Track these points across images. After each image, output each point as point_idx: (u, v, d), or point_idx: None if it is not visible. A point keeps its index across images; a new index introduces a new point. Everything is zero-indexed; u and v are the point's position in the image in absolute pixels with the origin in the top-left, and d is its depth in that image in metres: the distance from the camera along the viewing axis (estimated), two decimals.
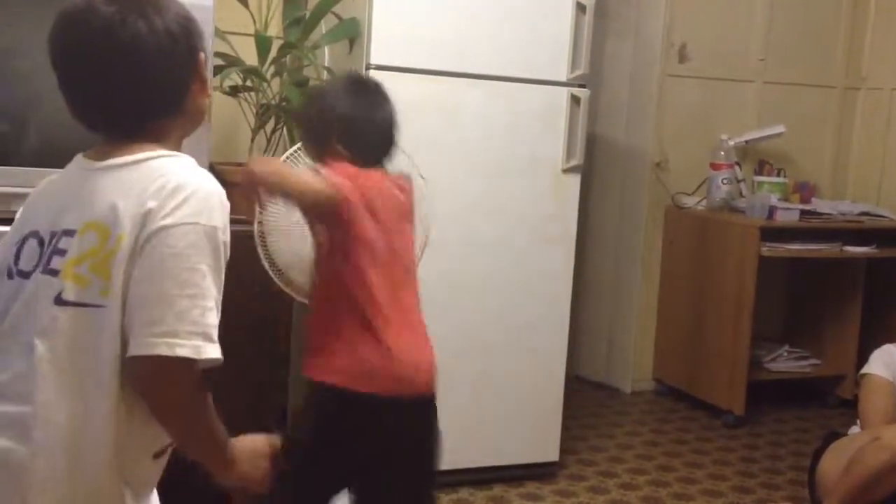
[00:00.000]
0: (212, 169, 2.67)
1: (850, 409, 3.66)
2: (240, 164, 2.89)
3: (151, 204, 1.28)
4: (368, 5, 2.84)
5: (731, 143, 4.16)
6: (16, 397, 1.29)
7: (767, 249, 3.88)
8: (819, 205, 4.21)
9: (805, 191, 4.31)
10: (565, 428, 3.35)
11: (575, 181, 3.19)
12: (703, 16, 4.27)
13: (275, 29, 2.97)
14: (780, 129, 4.25)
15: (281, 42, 2.91)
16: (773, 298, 4.46)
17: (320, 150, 2.01)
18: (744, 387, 3.92)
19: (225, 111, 2.97)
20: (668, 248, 4.32)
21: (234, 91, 2.87)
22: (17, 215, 1.43)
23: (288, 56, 2.94)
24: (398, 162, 2.09)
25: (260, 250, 2.39)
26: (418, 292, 2.01)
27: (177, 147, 1.41)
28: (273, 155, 2.84)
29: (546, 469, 3.29)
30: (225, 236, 1.33)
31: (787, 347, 4.33)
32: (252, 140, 2.90)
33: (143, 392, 1.29)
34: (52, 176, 1.44)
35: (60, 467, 1.28)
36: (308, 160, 2.23)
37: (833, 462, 2.88)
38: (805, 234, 3.99)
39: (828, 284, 4.35)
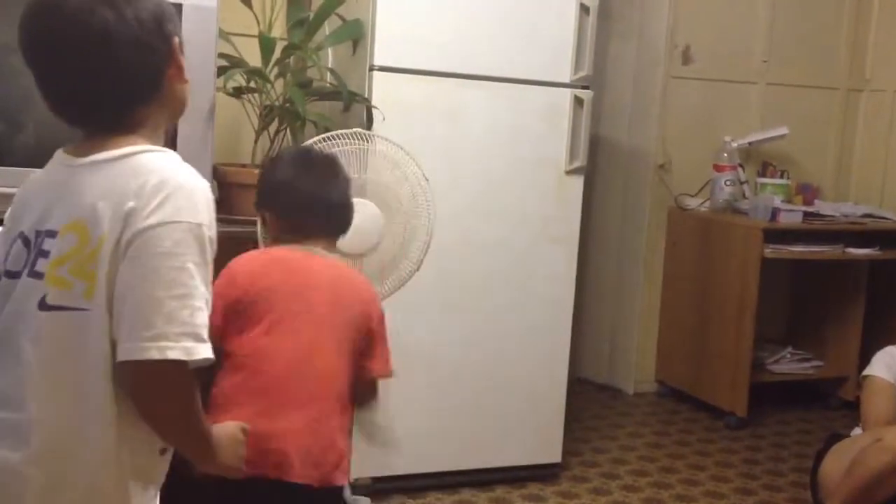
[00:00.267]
0: (215, 170, 2.68)
1: (852, 410, 3.65)
2: (243, 166, 2.90)
3: (133, 203, 1.26)
4: (372, 7, 2.85)
5: (735, 144, 4.16)
6: (10, 404, 1.29)
7: (770, 251, 3.87)
8: (822, 206, 4.21)
9: (808, 192, 4.31)
10: (568, 429, 3.35)
11: (578, 182, 3.20)
12: (706, 17, 4.27)
13: (278, 30, 2.98)
14: (783, 130, 4.25)
15: (285, 43, 2.92)
16: (776, 300, 4.46)
17: (259, 212, 2.12)
18: (746, 388, 3.92)
19: (228, 112, 2.98)
20: (670, 250, 4.32)
21: (237, 92, 2.87)
22: (6, 215, 1.41)
23: (291, 57, 2.94)
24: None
25: None
26: None
27: (157, 136, 1.38)
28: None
29: (548, 470, 3.29)
30: (211, 232, 1.31)
31: (789, 349, 4.33)
32: (255, 141, 2.90)
33: (134, 396, 1.27)
34: (36, 173, 1.41)
35: (58, 474, 1.27)
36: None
37: (835, 464, 2.88)
38: (808, 236, 3.98)
39: (830, 286, 4.34)
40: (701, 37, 4.27)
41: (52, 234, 1.31)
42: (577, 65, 3.11)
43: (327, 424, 1.82)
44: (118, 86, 1.33)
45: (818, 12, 4.50)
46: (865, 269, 4.19)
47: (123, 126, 1.35)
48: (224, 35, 2.70)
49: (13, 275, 1.33)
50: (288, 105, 2.84)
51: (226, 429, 1.49)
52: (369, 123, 2.81)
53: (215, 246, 1.34)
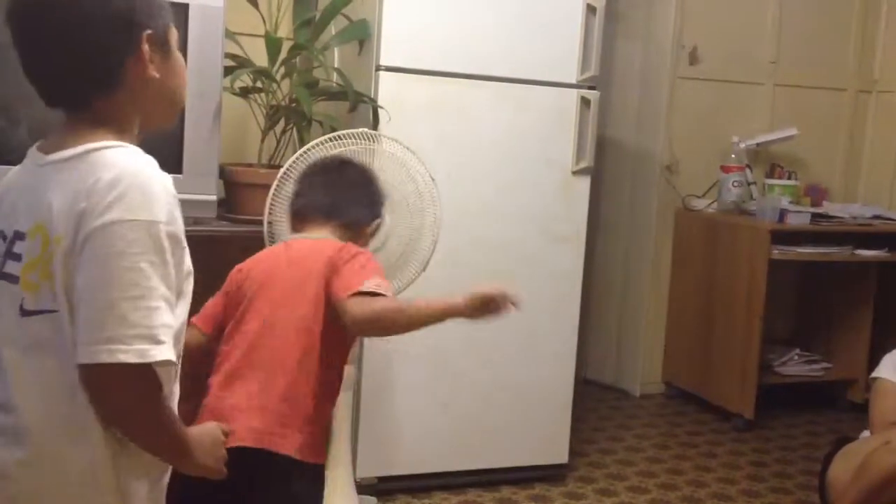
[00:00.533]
0: (221, 170, 2.68)
1: (860, 413, 3.63)
2: (249, 165, 2.90)
3: (84, 204, 1.23)
4: (378, 7, 2.84)
5: (742, 145, 4.15)
6: (3, 407, 1.29)
7: (778, 252, 3.86)
8: (830, 208, 4.20)
9: (816, 194, 4.30)
10: (574, 430, 3.34)
11: (585, 183, 3.19)
12: (713, 18, 4.26)
13: (285, 30, 2.98)
14: (792, 131, 4.24)
15: (291, 43, 2.92)
16: (784, 301, 4.45)
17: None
18: (754, 390, 3.91)
19: (235, 112, 2.98)
20: (677, 251, 4.31)
21: (244, 92, 2.87)
22: None
23: (298, 57, 2.95)
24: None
25: None
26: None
27: (128, 134, 1.35)
28: (282, 158, 2.84)
29: (555, 471, 3.29)
30: (171, 228, 1.27)
31: (797, 351, 4.31)
32: (262, 141, 2.90)
33: (92, 399, 1.25)
34: (12, 170, 1.40)
35: (51, 476, 1.27)
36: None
37: (843, 466, 2.86)
38: (816, 238, 3.97)
39: (839, 288, 4.33)
40: (708, 37, 4.26)
41: (21, 235, 1.31)
42: (584, 65, 3.11)
43: (269, 393, 1.82)
44: (70, 67, 1.30)
45: (827, 13, 4.48)
46: (874, 270, 4.17)
47: (87, 117, 1.33)
48: (230, 35, 2.70)
49: None
50: (294, 105, 2.84)
51: (206, 429, 1.47)
52: (375, 123, 2.80)
53: (182, 242, 1.31)
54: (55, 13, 1.28)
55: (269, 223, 2.40)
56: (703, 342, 4.14)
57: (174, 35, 1.40)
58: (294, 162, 2.39)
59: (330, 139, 2.44)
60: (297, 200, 2.11)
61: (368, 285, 1.79)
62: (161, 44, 1.36)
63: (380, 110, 2.82)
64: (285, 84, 2.90)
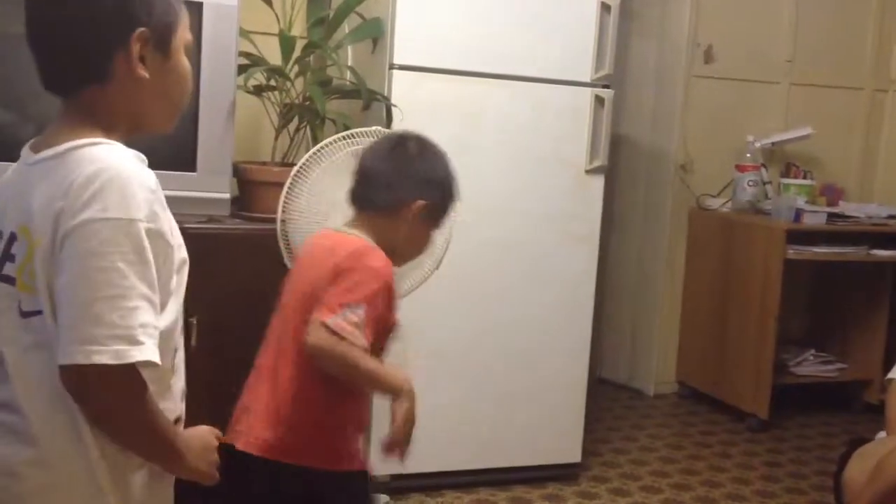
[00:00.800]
0: (235, 168, 2.68)
1: (876, 414, 3.60)
2: (263, 163, 2.91)
3: (62, 202, 1.22)
4: (392, 5, 2.84)
5: (758, 144, 4.13)
6: (9, 408, 1.29)
7: (793, 252, 3.84)
8: (846, 208, 4.17)
9: (832, 193, 4.27)
10: (588, 430, 3.33)
11: (599, 182, 3.18)
12: (729, 16, 4.24)
13: (298, 29, 2.98)
14: (807, 130, 4.22)
15: (304, 42, 2.92)
16: (799, 301, 4.42)
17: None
18: (769, 390, 3.89)
19: (248, 111, 2.98)
20: (692, 250, 4.29)
21: (257, 90, 2.88)
22: None
23: (311, 56, 2.95)
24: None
25: (284, 252, 2.40)
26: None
27: (114, 132, 1.32)
28: (295, 156, 2.84)
29: (568, 470, 3.28)
30: (152, 225, 1.24)
31: (812, 351, 4.29)
32: (275, 139, 2.91)
33: (75, 400, 1.24)
34: (9, 168, 1.39)
35: (58, 475, 1.27)
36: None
37: (859, 467, 2.84)
38: (832, 237, 3.95)
39: (854, 288, 4.30)
40: (723, 36, 4.24)
41: (13, 236, 1.31)
42: (598, 64, 3.10)
43: (276, 394, 1.85)
44: (60, 50, 1.30)
45: (843, 12, 4.45)
46: (890, 270, 4.15)
47: (77, 112, 1.32)
48: (244, 33, 2.71)
49: None
50: (308, 103, 2.84)
51: (197, 433, 1.42)
52: (389, 122, 2.80)
53: (168, 238, 1.29)
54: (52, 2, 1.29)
55: (283, 221, 2.40)
56: (718, 342, 4.13)
57: (181, 38, 1.37)
58: (307, 160, 2.39)
59: (343, 137, 2.44)
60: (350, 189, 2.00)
61: (336, 322, 1.73)
62: (159, 45, 1.33)
63: (393, 109, 2.81)
64: (299, 82, 2.90)
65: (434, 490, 3.08)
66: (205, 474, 1.40)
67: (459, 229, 2.59)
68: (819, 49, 4.42)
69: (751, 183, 4.08)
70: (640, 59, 4.34)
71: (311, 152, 2.41)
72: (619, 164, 4.32)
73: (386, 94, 2.85)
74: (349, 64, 3.05)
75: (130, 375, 1.23)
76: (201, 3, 2.40)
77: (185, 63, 1.38)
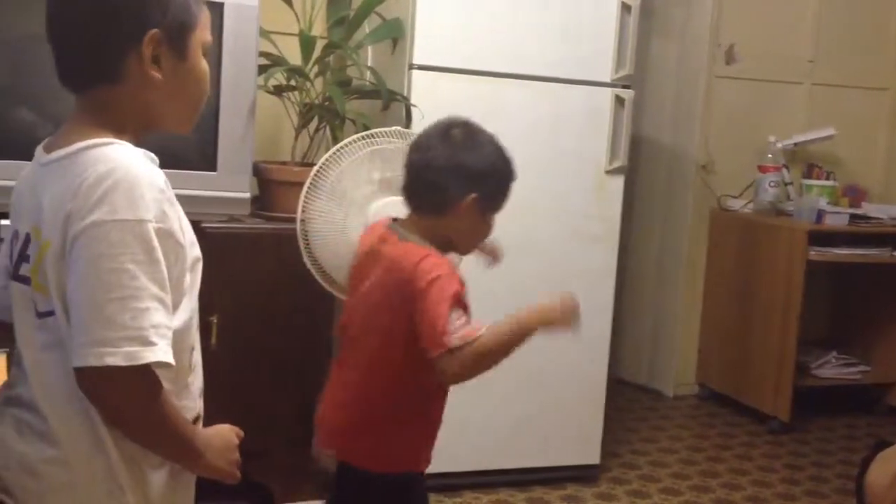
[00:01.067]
0: (255, 168, 2.69)
1: None
2: (283, 163, 2.92)
3: (70, 204, 1.22)
4: (412, 5, 2.84)
5: (780, 145, 4.10)
6: (31, 407, 1.30)
7: (815, 254, 3.81)
8: (869, 209, 4.14)
9: (854, 194, 4.24)
10: (607, 431, 3.32)
11: (618, 182, 3.17)
12: (750, 16, 4.22)
13: (319, 29, 2.99)
14: (830, 131, 4.19)
15: (325, 42, 2.93)
16: (821, 303, 4.39)
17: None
18: (790, 393, 3.86)
19: (269, 111, 2.99)
20: (712, 251, 4.27)
21: (277, 91, 2.89)
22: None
23: (331, 56, 2.96)
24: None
25: (304, 252, 2.40)
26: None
27: (124, 133, 1.31)
28: (315, 156, 2.85)
29: (587, 472, 3.27)
30: (162, 224, 1.24)
31: (834, 353, 4.25)
32: (295, 139, 2.92)
33: (90, 401, 1.24)
34: (26, 167, 1.39)
35: (78, 474, 1.28)
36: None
37: (882, 470, 2.80)
38: (854, 239, 3.92)
39: (877, 289, 4.26)
40: (745, 36, 4.21)
41: (27, 237, 1.31)
42: (619, 64, 3.08)
43: (346, 393, 1.90)
44: (74, 45, 1.30)
45: (865, 12, 4.41)
46: None
47: (90, 110, 1.32)
48: (265, 33, 2.72)
49: (10, 275, 1.36)
50: (327, 103, 2.85)
51: (218, 431, 1.42)
52: (408, 122, 2.80)
53: (178, 238, 1.28)
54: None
55: (303, 221, 2.40)
56: (739, 343, 4.10)
57: (198, 40, 1.35)
58: (327, 160, 2.40)
59: (363, 137, 2.45)
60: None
61: (455, 339, 1.72)
62: (175, 46, 1.32)
63: (413, 109, 2.82)
64: (319, 82, 2.91)
65: (452, 490, 3.08)
66: (225, 473, 1.40)
67: None
68: (841, 49, 4.38)
69: (772, 184, 4.06)
70: (660, 59, 4.32)
71: (330, 152, 2.42)
72: (640, 164, 4.30)
73: (405, 94, 2.85)
74: (369, 64, 3.06)
75: (144, 376, 1.23)
76: (222, 4, 2.41)
77: (203, 65, 1.37)
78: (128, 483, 1.29)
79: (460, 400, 3.03)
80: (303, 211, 2.40)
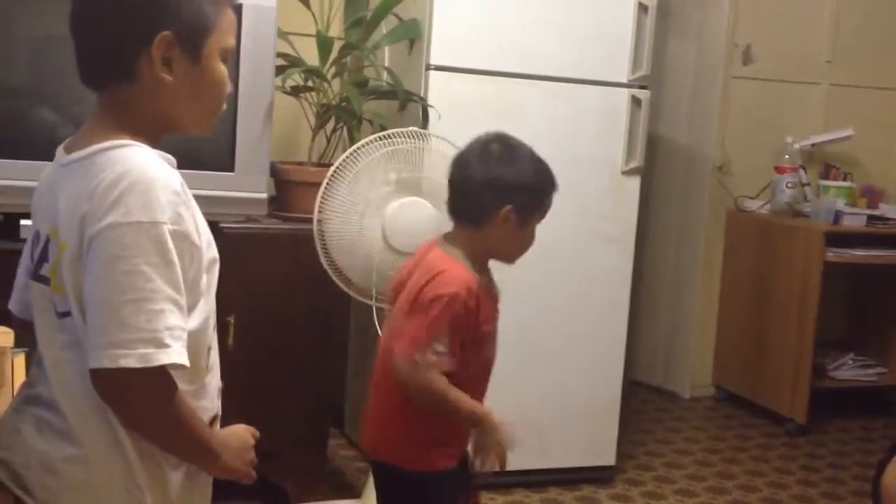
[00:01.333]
0: (273, 168, 2.71)
1: None
2: (300, 164, 2.93)
3: (86, 207, 1.22)
4: (429, 6, 2.85)
5: (797, 146, 4.09)
6: (52, 407, 1.31)
7: (833, 255, 3.80)
8: (887, 210, 4.12)
9: (872, 195, 4.22)
10: (622, 432, 3.32)
11: (635, 183, 3.16)
12: (767, 16, 4.20)
13: (336, 30, 3.00)
14: (848, 132, 4.17)
15: (342, 43, 2.94)
16: (838, 304, 4.37)
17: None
18: (807, 394, 3.84)
19: (286, 111, 3.01)
20: (729, 252, 4.26)
21: (295, 91, 2.90)
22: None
23: (349, 57, 2.97)
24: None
25: (320, 252, 2.42)
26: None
27: (141, 135, 1.31)
28: (332, 156, 2.86)
29: (602, 473, 3.26)
30: (178, 227, 1.24)
31: (851, 355, 4.23)
32: (312, 140, 2.93)
33: (106, 403, 1.25)
34: (47, 168, 1.40)
35: (97, 474, 1.29)
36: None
37: None
38: (872, 240, 3.90)
39: (895, 291, 4.24)
40: (762, 36, 4.20)
41: (47, 238, 1.32)
42: (635, 64, 3.08)
43: (373, 406, 2.01)
44: (92, 45, 1.31)
45: (882, 12, 4.39)
46: None
47: (108, 111, 1.33)
48: (282, 34, 2.73)
49: (30, 275, 1.37)
50: (345, 104, 2.86)
51: (235, 432, 1.42)
52: (425, 122, 2.81)
53: (194, 239, 1.28)
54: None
55: (319, 221, 2.42)
56: (755, 345, 4.09)
57: (215, 44, 1.34)
58: (344, 160, 2.41)
59: (380, 138, 2.46)
60: None
61: (425, 357, 1.84)
62: (188, 49, 1.31)
63: (430, 109, 2.82)
64: (336, 83, 2.92)
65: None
66: (242, 473, 1.40)
67: None
68: (859, 49, 4.36)
69: (789, 185, 4.04)
70: (677, 59, 4.31)
71: (347, 153, 2.43)
72: (656, 165, 4.30)
73: (422, 95, 2.86)
74: (386, 65, 3.07)
75: (158, 378, 1.23)
76: (240, 5, 2.42)
77: (220, 69, 1.36)
78: (146, 482, 1.30)
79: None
80: (320, 211, 2.41)
